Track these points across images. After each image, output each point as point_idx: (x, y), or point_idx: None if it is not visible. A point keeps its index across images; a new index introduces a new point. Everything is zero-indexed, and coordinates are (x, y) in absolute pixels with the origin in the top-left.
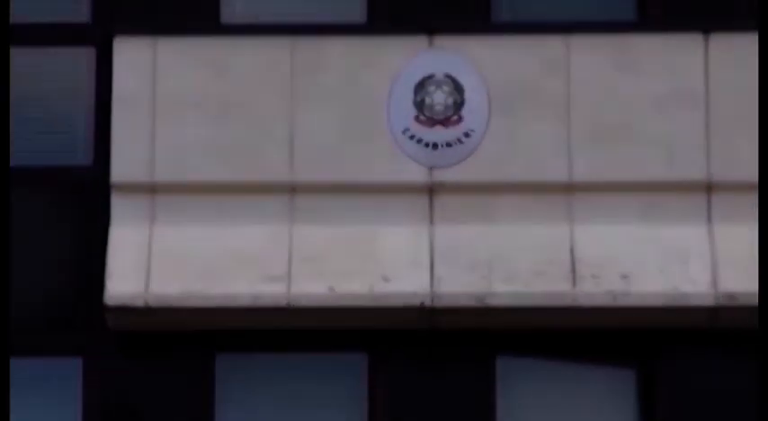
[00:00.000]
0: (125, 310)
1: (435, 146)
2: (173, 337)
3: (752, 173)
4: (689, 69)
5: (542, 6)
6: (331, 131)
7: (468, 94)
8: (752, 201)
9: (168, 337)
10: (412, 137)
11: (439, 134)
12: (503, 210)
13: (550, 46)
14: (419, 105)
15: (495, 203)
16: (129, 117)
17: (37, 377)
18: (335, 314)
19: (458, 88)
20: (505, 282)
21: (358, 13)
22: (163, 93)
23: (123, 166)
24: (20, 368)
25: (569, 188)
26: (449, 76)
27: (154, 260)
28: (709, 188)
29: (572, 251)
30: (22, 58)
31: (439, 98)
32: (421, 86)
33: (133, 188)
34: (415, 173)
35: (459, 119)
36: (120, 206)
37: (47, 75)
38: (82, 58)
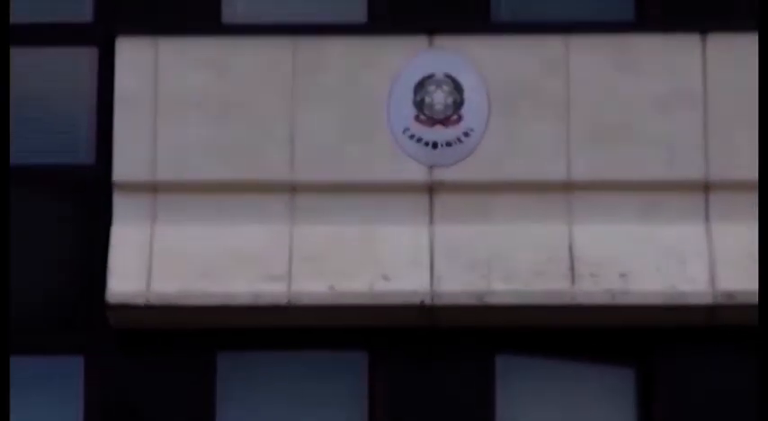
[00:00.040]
0: (126, 309)
1: (435, 145)
2: (174, 336)
3: (749, 172)
4: (687, 69)
5: (542, 7)
6: (331, 131)
7: (467, 94)
8: (749, 201)
9: (169, 336)
10: (412, 136)
11: (439, 133)
12: (502, 209)
13: (550, 46)
14: (419, 105)
15: (494, 202)
16: (130, 116)
17: (39, 375)
18: (336, 312)
19: (457, 88)
20: (505, 281)
21: (358, 14)
22: (164, 92)
23: (125, 166)
24: (22, 366)
25: (568, 187)
26: (449, 76)
27: (155, 258)
28: (707, 187)
29: (571, 250)
30: (24, 58)
31: (439, 98)
32: (421, 86)
33: (135, 187)
34: (414, 172)
35: (459, 118)
36: (121, 205)
37: (49, 74)
38: (84, 58)
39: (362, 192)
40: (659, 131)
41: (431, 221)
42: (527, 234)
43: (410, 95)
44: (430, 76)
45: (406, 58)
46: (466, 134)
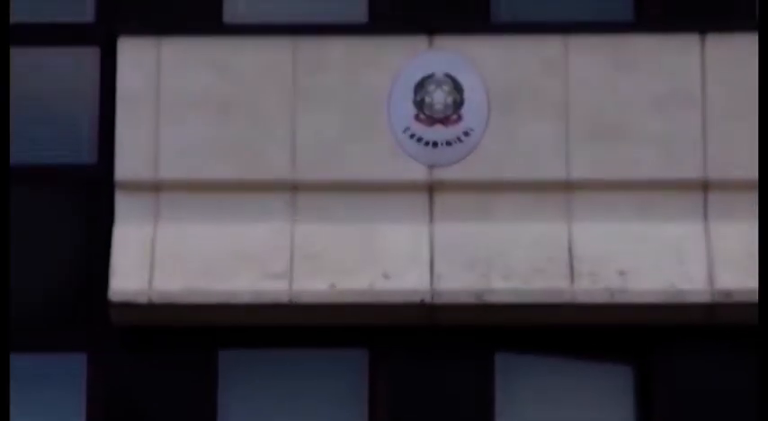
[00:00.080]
0: (129, 307)
1: (435, 144)
2: (176, 333)
3: (747, 171)
4: (686, 69)
5: (541, 7)
6: (332, 130)
7: (467, 94)
8: (748, 200)
9: (171, 333)
10: (412, 136)
11: (439, 133)
12: (502, 208)
13: (549, 46)
14: (419, 104)
15: (494, 201)
16: (132, 116)
17: (42, 373)
18: (336, 311)
19: (457, 87)
20: (504, 280)
21: (359, 14)
22: (166, 92)
23: (127, 165)
24: (25, 364)
25: (568, 186)
26: (448, 76)
27: (157, 257)
28: (705, 187)
29: (570, 249)
30: (27, 58)
31: (439, 97)
32: (421, 86)
33: (137, 186)
34: (415, 171)
35: (459, 118)
36: (124, 204)
37: (52, 74)
38: (86, 58)
39: (363, 191)
40: (658, 131)
41: (431, 220)
42: (526, 233)
43: (410, 95)
44: (430, 76)
45: (406, 58)
46: (466, 134)
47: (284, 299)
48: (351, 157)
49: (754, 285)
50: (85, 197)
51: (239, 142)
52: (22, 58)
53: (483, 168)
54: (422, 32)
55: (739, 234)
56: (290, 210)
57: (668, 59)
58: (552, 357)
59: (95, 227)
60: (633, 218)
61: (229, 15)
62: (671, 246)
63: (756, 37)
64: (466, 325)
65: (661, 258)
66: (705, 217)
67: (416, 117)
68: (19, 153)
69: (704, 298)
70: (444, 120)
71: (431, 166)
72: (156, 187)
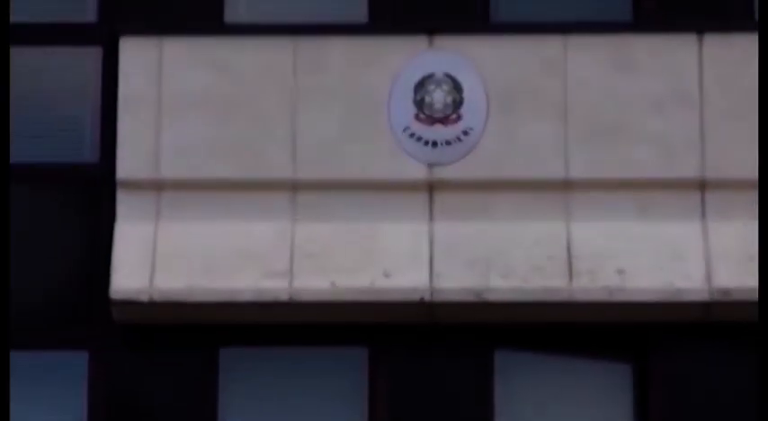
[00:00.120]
0: (130, 304)
1: (435, 144)
2: (177, 331)
3: (745, 171)
4: (685, 69)
5: (541, 7)
6: (332, 130)
7: (467, 93)
8: (745, 199)
9: (173, 331)
10: (412, 135)
11: (438, 132)
12: (501, 207)
13: (548, 46)
14: (419, 104)
15: (493, 200)
16: (134, 115)
17: (44, 370)
18: (337, 309)
19: (457, 87)
20: (503, 278)
21: (359, 14)
22: (168, 91)
23: (129, 164)
24: (27, 362)
25: (567, 186)
26: (448, 76)
27: (159, 255)
28: (703, 186)
29: (569, 247)
30: (29, 58)
31: (438, 97)
32: (421, 85)
33: (139, 185)
34: (415, 170)
35: (459, 117)
36: (125, 202)
37: (54, 74)
38: (89, 58)
39: (363, 190)
40: (656, 130)
41: (431, 219)
42: (525, 231)
43: (410, 95)
44: (430, 76)
45: (406, 58)
46: (465, 133)
47: (285, 297)
48: (351, 157)
49: (752, 283)
50: (87, 196)
51: (240, 141)
52: (24, 58)
53: (482, 167)
54: (422, 32)
55: (737, 233)
56: (290, 208)
57: (667, 59)
58: (551, 355)
59: (97, 225)
60: (632, 217)
61: (230, 15)
62: (669, 244)
63: (754, 37)
64: (465, 323)
65: (659, 257)
66: (703, 216)
67: (416, 116)
68: (20, 152)
69: (702, 296)
70: (444, 120)
71: (431, 166)
72: (157, 186)
